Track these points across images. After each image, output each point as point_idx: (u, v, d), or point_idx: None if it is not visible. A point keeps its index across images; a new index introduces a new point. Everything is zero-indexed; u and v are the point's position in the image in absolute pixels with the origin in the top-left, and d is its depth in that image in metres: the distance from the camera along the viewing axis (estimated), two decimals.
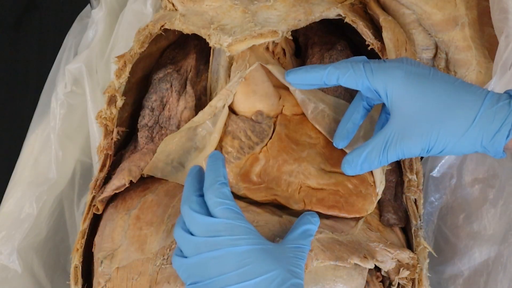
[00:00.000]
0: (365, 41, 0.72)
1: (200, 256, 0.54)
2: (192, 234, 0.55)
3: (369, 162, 0.61)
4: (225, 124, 0.69)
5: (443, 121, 0.57)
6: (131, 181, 0.68)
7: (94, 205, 0.70)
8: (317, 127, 0.69)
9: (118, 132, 0.74)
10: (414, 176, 0.70)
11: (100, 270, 0.65)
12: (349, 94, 0.72)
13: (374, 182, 0.67)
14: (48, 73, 0.85)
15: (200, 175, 0.59)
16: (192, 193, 0.57)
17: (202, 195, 0.57)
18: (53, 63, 0.85)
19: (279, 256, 0.55)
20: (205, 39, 0.69)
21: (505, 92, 0.58)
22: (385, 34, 0.71)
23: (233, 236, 0.54)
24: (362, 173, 0.64)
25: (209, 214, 0.56)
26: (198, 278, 0.55)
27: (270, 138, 0.69)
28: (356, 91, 0.70)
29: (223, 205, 0.55)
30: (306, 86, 0.64)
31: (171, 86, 0.74)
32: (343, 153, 0.68)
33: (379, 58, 0.72)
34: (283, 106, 0.71)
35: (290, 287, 0.53)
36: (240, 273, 0.53)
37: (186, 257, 0.56)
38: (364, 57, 0.61)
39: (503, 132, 0.56)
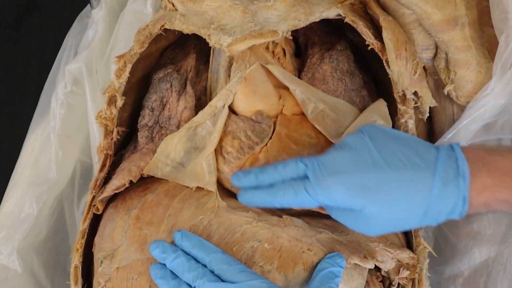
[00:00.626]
0: (365, 41, 0.72)
1: None
2: None
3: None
4: (225, 124, 0.69)
5: (397, 221, 0.58)
6: (131, 181, 0.68)
7: (94, 205, 0.70)
8: (317, 127, 0.69)
9: (118, 132, 0.74)
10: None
11: (100, 270, 0.65)
12: (348, 95, 0.72)
13: None
14: (48, 73, 0.85)
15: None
16: (197, 266, 0.59)
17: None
18: (53, 63, 0.85)
19: None
20: (205, 39, 0.69)
21: (451, 151, 0.58)
22: (385, 34, 0.71)
23: None
24: None
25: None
26: None
27: (270, 138, 0.69)
28: (355, 94, 0.70)
29: (238, 269, 0.57)
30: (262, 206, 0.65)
31: (171, 86, 0.74)
32: None
33: (379, 58, 0.72)
34: (283, 106, 0.71)
35: None
36: None
37: None
38: (302, 167, 0.60)
39: (456, 214, 0.58)
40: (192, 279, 0.57)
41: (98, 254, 0.66)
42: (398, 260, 0.65)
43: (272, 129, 0.69)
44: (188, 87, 0.74)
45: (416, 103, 0.71)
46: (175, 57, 0.78)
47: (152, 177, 0.70)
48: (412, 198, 0.57)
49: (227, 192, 0.69)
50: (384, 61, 0.71)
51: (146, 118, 0.73)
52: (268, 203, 0.62)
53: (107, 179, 0.72)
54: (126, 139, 0.77)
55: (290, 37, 0.70)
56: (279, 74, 0.70)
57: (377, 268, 0.65)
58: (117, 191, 0.69)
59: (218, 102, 0.69)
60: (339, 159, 0.59)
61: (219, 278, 0.57)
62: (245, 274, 0.57)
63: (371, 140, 0.59)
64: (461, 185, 0.56)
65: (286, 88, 0.71)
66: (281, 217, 0.65)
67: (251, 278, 0.56)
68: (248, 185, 0.63)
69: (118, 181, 0.68)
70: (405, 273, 0.65)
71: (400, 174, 0.57)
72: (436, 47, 0.74)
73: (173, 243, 0.62)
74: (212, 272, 0.58)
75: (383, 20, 0.71)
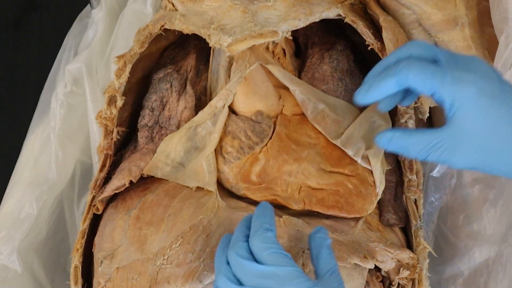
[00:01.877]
0: (365, 41, 0.72)
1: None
2: (239, 282, 0.54)
3: (402, 152, 0.58)
4: (225, 124, 0.69)
5: (498, 151, 0.55)
6: (131, 181, 0.68)
7: (94, 205, 0.70)
8: (317, 127, 0.69)
9: (118, 132, 0.74)
10: (414, 176, 0.70)
11: (100, 270, 0.65)
12: (348, 95, 0.72)
13: (374, 182, 0.67)
14: (48, 73, 0.85)
15: (249, 221, 0.58)
16: (239, 239, 0.56)
17: (247, 241, 0.56)
18: (53, 63, 0.85)
19: None
20: (205, 39, 0.69)
21: None
22: (385, 34, 0.71)
23: (281, 284, 0.53)
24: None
25: (256, 260, 0.55)
26: None
27: (270, 138, 0.69)
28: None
29: (270, 249, 0.54)
30: (382, 95, 0.58)
31: (171, 86, 0.74)
32: (343, 153, 0.68)
33: (379, 58, 0.72)
34: (283, 106, 0.71)
35: None
36: None
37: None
38: (436, 53, 0.56)
39: None
40: (232, 243, 0.56)
41: (98, 254, 0.66)
42: (398, 260, 0.65)
43: (272, 129, 0.69)
44: (188, 87, 0.74)
45: (416, 103, 0.71)
46: (175, 57, 0.78)
47: (152, 177, 0.70)
48: None
49: (227, 192, 0.69)
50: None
51: (146, 118, 0.73)
52: (388, 78, 0.56)
53: (107, 179, 0.72)
54: (126, 139, 0.77)
55: (290, 37, 0.70)
56: (279, 74, 0.70)
57: (377, 268, 0.65)
58: (117, 191, 0.69)
59: (218, 102, 0.69)
60: (476, 63, 0.56)
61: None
62: (273, 255, 0.55)
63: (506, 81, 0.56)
64: None
65: (286, 88, 0.71)
66: (281, 217, 0.65)
67: (276, 262, 0.54)
68: (378, 67, 0.59)
69: (118, 181, 0.68)
70: (405, 273, 0.65)
71: None
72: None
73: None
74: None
75: (383, 20, 0.71)
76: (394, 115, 0.73)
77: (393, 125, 0.73)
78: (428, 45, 0.57)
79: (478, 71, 0.55)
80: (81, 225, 0.69)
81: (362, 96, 0.57)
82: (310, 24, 0.71)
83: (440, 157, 0.55)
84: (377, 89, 0.56)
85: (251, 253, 0.55)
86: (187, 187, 0.68)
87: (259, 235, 0.55)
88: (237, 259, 0.55)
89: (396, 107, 0.72)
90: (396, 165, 0.72)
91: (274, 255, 0.54)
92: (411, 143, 0.56)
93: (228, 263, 0.56)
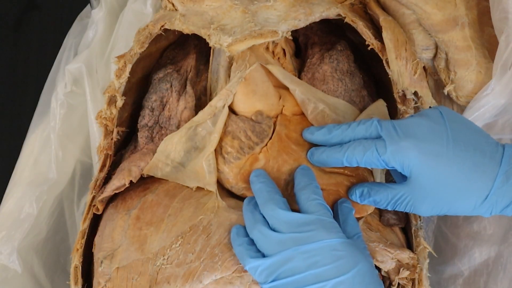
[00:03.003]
0: (365, 41, 0.72)
1: (286, 252, 0.55)
2: (275, 231, 0.57)
3: (372, 204, 0.64)
4: (225, 124, 0.69)
5: (455, 200, 0.60)
6: (131, 181, 0.68)
7: (94, 205, 0.70)
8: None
9: (118, 132, 0.74)
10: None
11: (100, 270, 0.65)
12: (348, 95, 0.72)
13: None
14: (48, 73, 0.85)
15: (268, 176, 0.63)
16: (275, 193, 0.60)
17: (281, 194, 0.60)
18: (53, 63, 0.85)
19: (358, 248, 0.57)
20: (205, 39, 0.69)
21: None
22: (385, 34, 0.71)
23: (326, 230, 0.55)
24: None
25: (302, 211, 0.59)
26: (283, 274, 0.55)
27: (270, 138, 0.69)
28: (355, 94, 0.70)
29: (316, 200, 0.58)
30: (330, 166, 0.66)
31: (171, 86, 0.74)
32: None
33: (379, 58, 0.72)
34: (283, 106, 0.71)
35: (376, 277, 0.56)
36: (335, 266, 0.54)
37: (266, 256, 0.56)
38: (376, 127, 0.62)
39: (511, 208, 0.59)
40: (261, 202, 0.60)
41: (98, 254, 0.66)
42: (398, 260, 0.65)
43: (272, 129, 0.69)
44: (188, 87, 0.74)
45: (416, 103, 0.71)
46: (175, 57, 0.78)
47: (152, 177, 0.70)
48: (476, 182, 0.58)
49: (227, 192, 0.69)
50: (384, 61, 0.71)
51: (146, 118, 0.73)
52: (336, 160, 0.63)
53: (107, 179, 0.72)
54: (126, 139, 0.77)
55: (290, 37, 0.70)
56: (279, 74, 0.70)
57: (377, 268, 0.65)
58: (117, 191, 0.69)
59: (218, 102, 0.69)
60: (416, 125, 0.60)
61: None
62: (316, 206, 0.58)
63: (448, 119, 0.61)
64: None
65: (286, 88, 0.71)
66: None
67: (319, 211, 0.57)
68: (320, 138, 0.65)
69: (118, 181, 0.68)
70: (405, 273, 0.65)
71: (470, 156, 0.59)
72: (436, 47, 0.74)
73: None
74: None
75: (383, 20, 0.71)
76: (394, 115, 0.73)
77: None
78: (369, 124, 0.62)
79: (417, 133, 0.60)
80: (81, 225, 0.69)
81: (316, 159, 0.65)
82: (310, 24, 0.71)
83: (407, 209, 0.62)
84: (329, 159, 0.64)
85: (288, 207, 0.59)
86: (187, 187, 0.68)
87: (310, 189, 0.60)
88: (275, 210, 0.58)
89: (396, 107, 0.72)
90: None
91: (319, 206, 0.58)
92: (378, 199, 0.62)
93: (263, 217, 0.59)
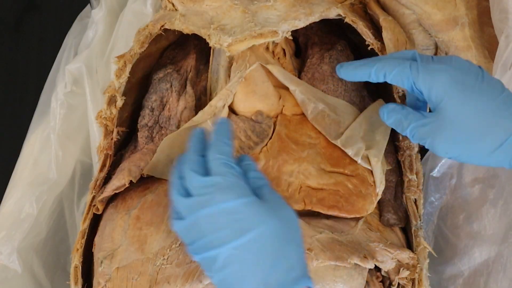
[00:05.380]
0: (365, 41, 0.72)
1: (194, 215, 0.54)
2: (189, 194, 0.56)
3: (395, 125, 0.62)
4: None
5: (476, 137, 0.58)
6: (131, 181, 0.68)
7: (94, 205, 0.70)
8: (317, 127, 0.69)
9: (118, 132, 0.74)
10: (414, 176, 0.70)
11: (100, 270, 0.65)
12: (348, 95, 0.72)
13: (374, 182, 0.67)
14: (48, 73, 0.85)
15: (202, 137, 0.59)
16: (192, 153, 0.58)
17: (203, 156, 0.57)
18: (53, 63, 0.85)
19: (269, 208, 0.54)
20: (205, 39, 0.69)
21: None
22: (385, 34, 0.71)
23: (221, 192, 0.54)
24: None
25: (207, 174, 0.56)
26: (195, 237, 0.54)
27: (270, 138, 0.69)
28: (355, 94, 0.70)
29: (220, 160, 0.56)
30: (356, 79, 0.65)
31: (171, 86, 0.74)
32: (343, 153, 0.68)
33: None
34: (283, 106, 0.71)
35: (285, 239, 0.53)
36: (233, 230, 0.52)
37: (183, 219, 0.55)
38: (414, 53, 0.61)
39: None
40: (184, 159, 0.58)
41: (98, 254, 0.66)
42: (398, 260, 0.65)
43: (272, 129, 0.69)
44: (188, 87, 0.74)
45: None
46: (175, 57, 0.78)
47: (152, 177, 0.70)
48: (501, 120, 0.56)
49: None
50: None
51: (146, 118, 0.73)
52: (364, 72, 0.62)
53: (107, 179, 0.72)
54: (126, 139, 0.77)
55: (290, 37, 0.70)
56: (279, 74, 0.70)
57: (377, 268, 0.65)
58: (117, 191, 0.69)
59: (218, 102, 0.69)
60: (453, 59, 0.60)
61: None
62: (217, 166, 0.56)
63: (484, 72, 0.59)
64: None
65: (286, 88, 0.71)
66: None
67: (219, 172, 0.55)
68: (356, 64, 0.64)
69: (118, 181, 0.68)
70: (405, 273, 0.65)
71: (500, 96, 0.57)
72: (436, 47, 0.74)
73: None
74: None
75: (383, 20, 0.71)
76: None
77: None
78: (407, 51, 0.62)
79: (452, 62, 0.59)
80: (81, 225, 0.69)
81: (344, 70, 0.64)
82: (310, 24, 0.71)
83: (425, 138, 0.59)
84: (357, 70, 0.63)
85: (205, 167, 0.56)
86: None
87: (217, 146, 0.57)
88: (187, 172, 0.56)
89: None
90: (396, 165, 0.72)
91: (223, 165, 0.55)
92: (404, 116, 0.60)
93: (180, 177, 0.57)
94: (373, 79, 0.62)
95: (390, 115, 0.62)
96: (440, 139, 0.59)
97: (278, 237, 0.53)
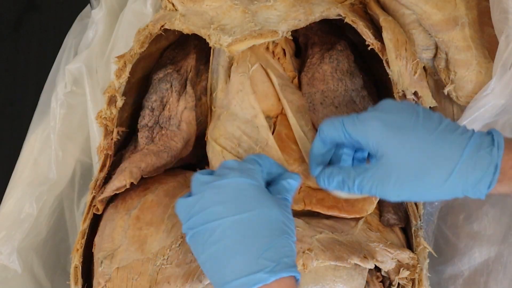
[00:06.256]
0: (365, 41, 0.72)
1: (203, 188, 0.56)
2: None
3: (340, 187, 0.61)
4: (225, 124, 0.69)
5: (421, 175, 0.57)
6: (131, 182, 0.68)
7: (94, 205, 0.70)
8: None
9: (118, 132, 0.74)
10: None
11: (100, 270, 0.65)
12: (348, 95, 0.72)
13: None
14: (48, 73, 0.85)
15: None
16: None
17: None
18: (53, 63, 0.85)
19: (274, 198, 0.57)
20: (205, 39, 0.69)
21: (488, 133, 0.57)
22: (385, 34, 0.70)
23: (240, 172, 0.56)
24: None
25: None
26: (196, 211, 0.55)
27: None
28: (355, 94, 0.70)
29: (250, 156, 0.59)
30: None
31: (171, 86, 0.74)
32: None
33: (379, 58, 0.72)
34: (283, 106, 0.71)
35: (283, 228, 0.55)
36: (237, 205, 0.54)
37: (189, 196, 0.57)
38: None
39: (485, 183, 0.55)
40: None
41: (98, 254, 0.66)
42: (398, 260, 0.65)
43: (272, 129, 0.69)
44: (188, 87, 0.74)
45: (416, 103, 0.71)
46: (175, 57, 0.78)
47: (152, 177, 0.70)
48: (444, 151, 0.55)
49: None
50: (384, 61, 0.71)
51: (146, 118, 0.73)
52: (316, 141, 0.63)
53: (107, 179, 0.72)
54: (126, 139, 0.77)
55: (290, 37, 0.70)
56: (275, 83, 0.70)
57: (377, 268, 0.65)
58: (117, 192, 0.69)
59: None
60: (384, 103, 0.60)
61: None
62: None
63: (419, 107, 0.59)
64: (494, 154, 0.55)
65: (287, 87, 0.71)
66: None
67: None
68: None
69: (119, 182, 0.68)
70: (405, 273, 0.65)
71: (436, 133, 0.56)
72: (436, 47, 0.74)
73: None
74: None
75: (383, 20, 0.71)
76: None
77: None
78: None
79: (383, 107, 0.59)
80: (81, 225, 0.69)
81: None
82: (310, 24, 0.71)
83: (373, 188, 0.58)
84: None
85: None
86: (188, 187, 0.68)
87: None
88: (196, 176, 0.58)
89: None
90: None
91: (251, 160, 0.59)
92: (347, 175, 0.60)
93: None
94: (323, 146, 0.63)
95: (330, 180, 0.61)
96: (387, 185, 0.58)
97: (277, 224, 0.54)
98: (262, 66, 0.71)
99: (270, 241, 0.53)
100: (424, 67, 0.75)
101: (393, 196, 0.58)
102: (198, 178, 0.58)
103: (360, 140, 0.59)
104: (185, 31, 0.71)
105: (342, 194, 0.63)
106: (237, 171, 0.56)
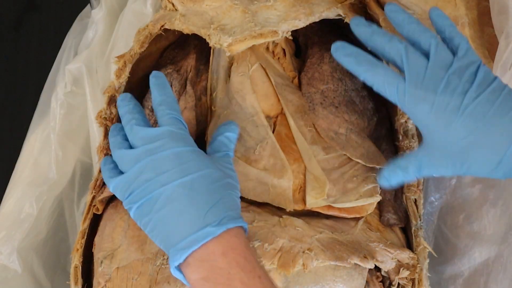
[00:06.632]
0: None
1: (140, 164, 0.57)
2: (133, 148, 0.59)
3: (404, 180, 0.62)
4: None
5: (470, 159, 0.57)
6: None
7: (94, 205, 0.70)
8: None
9: None
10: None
11: (100, 270, 0.65)
12: (348, 95, 0.72)
13: None
14: (48, 73, 0.85)
15: (134, 101, 0.64)
16: (136, 113, 0.62)
17: (143, 115, 0.62)
18: (53, 63, 0.85)
19: (213, 160, 0.59)
20: (205, 39, 0.69)
21: None
22: None
23: (174, 140, 0.57)
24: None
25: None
26: (136, 186, 0.57)
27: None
28: (355, 94, 0.70)
29: (170, 115, 0.60)
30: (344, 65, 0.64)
31: (171, 86, 0.74)
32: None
33: (379, 58, 0.72)
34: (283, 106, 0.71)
35: (225, 185, 0.57)
36: (179, 170, 0.56)
37: (123, 173, 0.58)
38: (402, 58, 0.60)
39: None
40: (125, 123, 0.61)
41: (98, 254, 0.66)
42: (398, 260, 0.65)
43: (272, 129, 0.69)
44: (188, 87, 0.74)
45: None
46: (175, 57, 0.78)
47: None
48: (491, 139, 0.56)
49: None
50: (384, 61, 0.71)
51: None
52: (353, 70, 0.63)
53: None
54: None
55: (290, 37, 0.70)
56: (275, 83, 0.70)
57: (377, 268, 0.65)
58: None
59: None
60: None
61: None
62: (169, 119, 0.60)
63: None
64: None
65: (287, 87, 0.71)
66: (281, 217, 0.65)
67: (172, 123, 0.59)
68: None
69: None
70: (405, 273, 0.65)
71: (483, 120, 0.56)
72: None
73: None
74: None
75: (383, 20, 0.71)
76: (394, 115, 0.73)
77: (393, 125, 0.73)
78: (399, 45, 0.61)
79: (438, 87, 0.58)
80: (81, 225, 0.69)
81: (338, 53, 0.64)
82: (310, 24, 0.71)
83: (432, 172, 0.59)
84: (350, 66, 0.63)
85: (148, 124, 0.61)
86: None
87: (166, 103, 0.61)
88: (133, 128, 0.60)
89: (396, 107, 0.72)
90: None
91: (173, 120, 0.60)
92: (407, 176, 0.61)
93: (124, 139, 0.61)
94: (360, 79, 0.62)
95: (394, 181, 0.62)
96: (441, 167, 0.59)
97: (219, 182, 0.57)
98: (262, 66, 0.71)
99: (213, 198, 0.56)
100: None
101: (450, 173, 0.59)
102: (125, 154, 0.59)
103: (409, 116, 0.61)
104: (185, 31, 0.71)
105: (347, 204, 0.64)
106: (169, 138, 0.57)
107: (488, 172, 0.57)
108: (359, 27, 0.63)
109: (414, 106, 0.58)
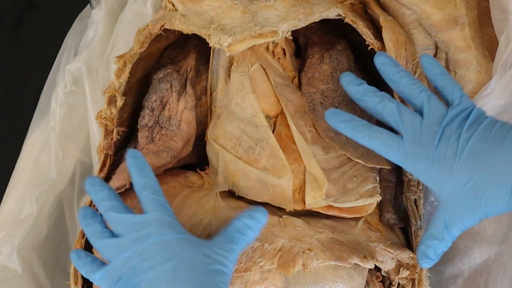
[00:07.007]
0: (365, 41, 0.72)
1: (126, 253, 0.56)
2: (115, 236, 0.58)
3: (445, 248, 0.61)
4: (225, 124, 0.69)
5: (484, 197, 0.56)
6: (131, 182, 0.68)
7: (94, 205, 0.70)
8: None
9: (118, 132, 0.74)
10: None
11: None
12: (348, 95, 0.72)
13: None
14: (48, 73, 0.85)
15: (107, 185, 0.61)
16: (114, 200, 0.60)
17: (121, 201, 0.60)
18: (53, 63, 0.85)
19: (206, 245, 0.57)
20: (205, 39, 0.69)
21: None
22: (385, 34, 0.70)
23: (160, 227, 0.56)
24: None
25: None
26: (123, 274, 0.56)
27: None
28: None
29: (156, 201, 0.58)
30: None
31: (171, 86, 0.74)
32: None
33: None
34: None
35: (210, 271, 0.55)
36: (162, 256, 0.55)
37: (109, 262, 0.57)
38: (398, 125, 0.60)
39: None
40: (103, 210, 0.59)
41: (98, 254, 0.66)
42: (398, 260, 0.65)
43: (272, 129, 0.69)
44: (188, 87, 0.74)
45: None
46: (175, 57, 0.78)
47: None
48: (496, 176, 0.55)
49: (227, 192, 0.69)
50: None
51: (146, 118, 0.73)
52: (351, 135, 0.62)
53: (107, 179, 0.72)
54: (126, 139, 0.77)
55: (290, 37, 0.70)
56: (275, 82, 0.70)
57: (377, 268, 0.65)
58: (117, 192, 0.69)
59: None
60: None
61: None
62: (154, 205, 0.58)
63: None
64: None
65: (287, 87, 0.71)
66: (281, 217, 0.65)
67: (157, 210, 0.58)
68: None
69: (118, 182, 0.68)
70: (405, 273, 0.65)
71: (484, 162, 0.56)
72: (436, 47, 0.74)
73: None
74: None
75: (383, 20, 0.71)
76: None
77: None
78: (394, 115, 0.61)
79: (431, 145, 0.58)
80: None
81: (333, 121, 0.63)
82: (310, 24, 0.71)
83: (461, 227, 0.58)
84: (348, 133, 0.62)
85: (127, 209, 0.59)
86: (188, 187, 0.68)
87: (149, 187, 0.59)
88: (115, 216, 0.58)
89: None
90: (396, 165, 0.72)
91: (158, 205, 0.58)
92: (440, 247, 0.60)
93: (103, 227, 0.59)
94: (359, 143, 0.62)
95: (432, 254, 0.60)
96: (465, 218, 0.58)
97: (202, 268, 0.55)
98: (262, 66, 0.71)
99: (194, 284, 0.54)
100: None
101: (476, 221, 0.58)
102: (108, 244, 0.58)
103: (413, 174, 0.62)
104: (185, 31, 0.71)
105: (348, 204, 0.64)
106: (156, 226, 0.57)
107: (506, 202, 0.56)
108: (350, 86, 0.63)
109: (416, 164, 0.58)
